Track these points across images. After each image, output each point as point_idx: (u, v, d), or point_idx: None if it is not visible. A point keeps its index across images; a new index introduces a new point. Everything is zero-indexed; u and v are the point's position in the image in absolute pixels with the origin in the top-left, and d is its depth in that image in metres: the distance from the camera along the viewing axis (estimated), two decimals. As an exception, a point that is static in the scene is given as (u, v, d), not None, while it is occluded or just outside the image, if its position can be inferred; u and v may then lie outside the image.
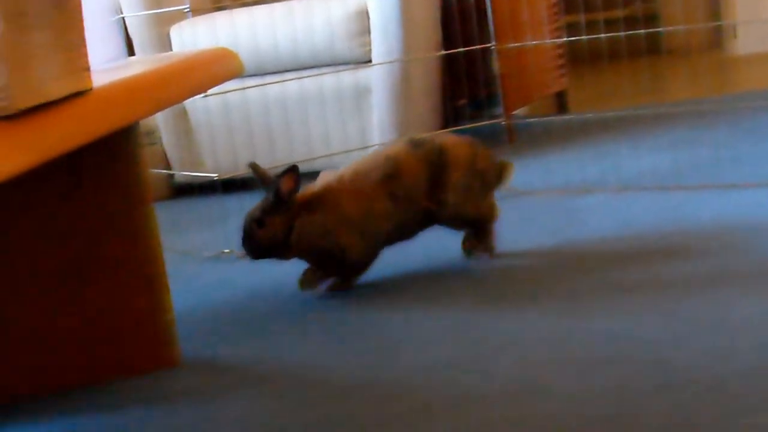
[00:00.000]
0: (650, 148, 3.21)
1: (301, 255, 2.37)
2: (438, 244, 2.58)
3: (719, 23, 4.91)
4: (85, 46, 1.61)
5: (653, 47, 4.14)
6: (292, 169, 2.30)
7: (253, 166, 2.39)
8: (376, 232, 2.37)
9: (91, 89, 1.61)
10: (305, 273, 2.41)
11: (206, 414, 1.83)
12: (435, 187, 2.39)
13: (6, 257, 2.02)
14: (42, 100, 1.45)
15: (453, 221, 2.45)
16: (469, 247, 2.51)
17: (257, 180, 2.37)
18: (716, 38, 5.49)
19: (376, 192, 2.36)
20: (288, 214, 2.32)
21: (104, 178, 2.02)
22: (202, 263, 2.84)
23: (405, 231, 2.43)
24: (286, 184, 2.30)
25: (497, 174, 2.51)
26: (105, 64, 2.09)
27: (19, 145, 1.33)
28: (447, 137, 2.50)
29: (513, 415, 1.64)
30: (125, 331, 2.06)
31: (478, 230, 2.49)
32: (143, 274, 2.05)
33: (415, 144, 2.43)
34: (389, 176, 2.37)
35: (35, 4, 1.45)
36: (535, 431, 1.58)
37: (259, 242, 2.32)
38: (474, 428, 1.62)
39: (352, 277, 2.41)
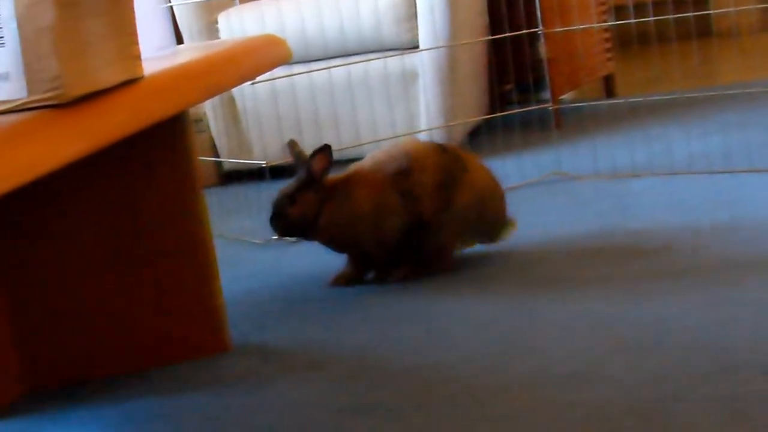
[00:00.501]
0: (700, 132, 3.18)
1: (325, 240, 2.38)
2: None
3: (770, 5, 4.84)
4: (136, 34, 1.63)
5: (703, 30, 4.10)
6: (324, 149, 2.32)
7: (291, 144, 2.41)
8: (386, 227, 2.34)
9: (142, 77, 1.63)
10: (344, 270, 2.42)
11: (257, 399, 1.85)
12: (437, 196, 2.34)
13: (60, 244, 2.05)
14: (95, 88, 1.47)
15: (427, 238, 2.35)
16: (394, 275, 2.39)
17: (293, 158, 2.39)
18: (767, 20, 5.42)
19: (386, 186, 2.34)
20: (319, 194, 2.34)
21: (155, 166, 2.04)
22: (252, 249, 2.86)
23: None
24: (318, 163, 2.32)
25: (496, 229, 2.41)
26: (155, 53, 2.11)
27: (73, 132, 1.35)
28: (480, 163, 2.42)
29: (561, 400, 1.64)
30: (176, 317, 2.08)
31: (425, 258, 2.37)
32: (194, 260, 2.07)
33: (443, 149, 2.39)
34: (402, 172, 2.34)
35: (88, -7, 1.47)
36: (584, 417, 1.58)
37: (289, 218, 2.34)
38: (522, 413, 1.63)
39: (360, 270, 2.40)
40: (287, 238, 2.44)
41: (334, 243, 2.39)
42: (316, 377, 1.90)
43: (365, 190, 2.35)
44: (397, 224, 2.34)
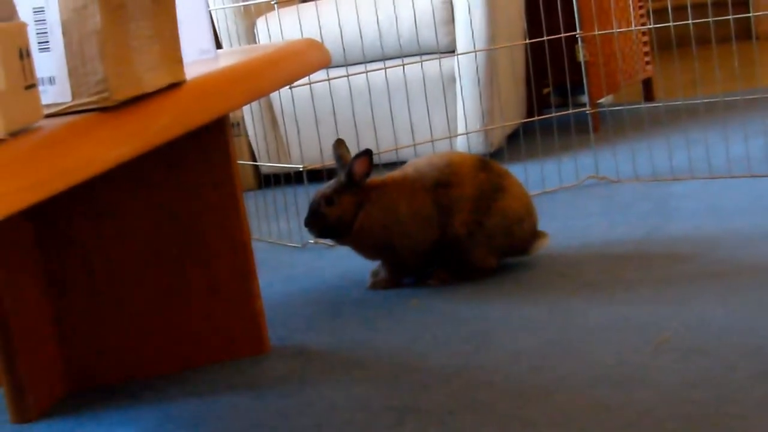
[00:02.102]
0: (740, 136, 3.16)
1: (358, 244, 2.38)
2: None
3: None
4: (178, 38, 1.64)
5: (743, 32, 4.07)
6: (366, 153, 2.32)
7: (338, 144, 2.41)
8: (420, 237, 2.33)
9: (184, 81, 1.64)
10: (376, 273, 2.43)
11: (297, 400, 1.85)
12: (470, 214, 2.32)
13: (104, 246, 2.06)
14: (139, 91, 1.48)
15: (454, 252, 2.34)
16: (434, 278, 2.39)
17: (335, 158, 2.39)
18: (807, 23, 5.37)
19: (425, 196, 2.34)
20: (357, 197, 2.34)
21: (196, 169, 2.05)
22: (290, 252, 2.87)
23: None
24: (359, 167, 2.32)
25: (527, 245, 2.40)
26: (196, 57, 2.12)
27: (118, 136, 1.37)
28: (516, 181, 2.40)
29: (605, 403, 1.64)
30: (216, 319, 2.09)
31: (459, 269, 2.37)
32: (233, 263, 2.08)
33: (484, 164, 2.37)
34: (442, 184, 2.33)
35: (134, -3, 1.48)
36: (631, 419, 1.57)
37: (326, 219, 2.34)
38: (566, 415, 1.62)
39: (396, 276, 2.40)
40: (322, 240, 2.43)
41: (366, 248, 2.39)
42: (356, 379, 1.91)
43: (404, 197, 2.35)
44: (430, 235, 2.34)
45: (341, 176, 2.36)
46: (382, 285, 2.40)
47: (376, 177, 2.38)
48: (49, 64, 1.40)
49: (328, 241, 2.86)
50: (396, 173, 2.41)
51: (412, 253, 2.36)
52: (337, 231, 2.36)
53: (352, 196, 2.34)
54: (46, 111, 1.37)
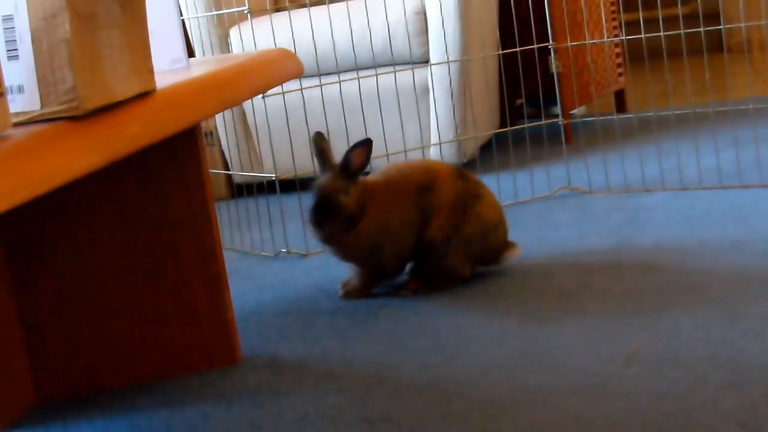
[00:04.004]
0: (711, 147, 3.18)
1: (351, 246, 2.30)
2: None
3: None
4: (149, 47, 1.64)
5: (714, 45, 4.10)
6: (366, 143, 2.24)
7: (318, 137, 2.30)
8: (407, 241, 2.32)
9: (155, 90, 1.63)
10: (347, 284, 2.40)
11: (267, 411, 1.84)
12: (447, 220, 2.32)
13: (73, 255, 2.05)
14: (109, 100, 1.47)
15: (430, 258, 2.33)
16: (406, 288, 2.37)
17: (318, 152, 2.29)
18: (777, 36, 5.41)
19: (411, 199, 2.31)
20: (361, 192, 2.25)
21: (167, 178, 2.04)
22: (262, 262, 2.87)
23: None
24: (357, 158, 2.24)
25: (498, 254, 2.40)
26: (167, 66, 2.11)
27: (87, 145, 1.36)
28: (488, 191, 2.40)
29: (575, 414, 1.64)
30: (187, 329, 2.08)
31: (433, 279, 2.36)
32: (204, 272, 2.07)
33: (461, 173, 2.37)
34: (425, 188, 2.32)
35: (105, 4, 1.47)
36: (601, 430, 1.58)
37: (344, 211, 2.22)
38: (537, 426, 1.62)
39: (370, 285, 2.38)
40: (326, 243, 2.28)
41: (357, 250, 2.31)
42: (327, 390, 1.90)
43: (397, 200, 2.31)
44: (413, 240, 2.33)
45: (336, 168, 2.25)
46: (356, 294, 2.39)
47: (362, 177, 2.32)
48: (18, 73, 1.39)
49: (302, 250, 2.85)
50: (379, 175, 2.36)
51: (396, 259, 2.34)
52: (350, 225, 2.24)
53: (358, 190, 2.25)
54: (14, 119, 1.36)
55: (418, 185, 2.32)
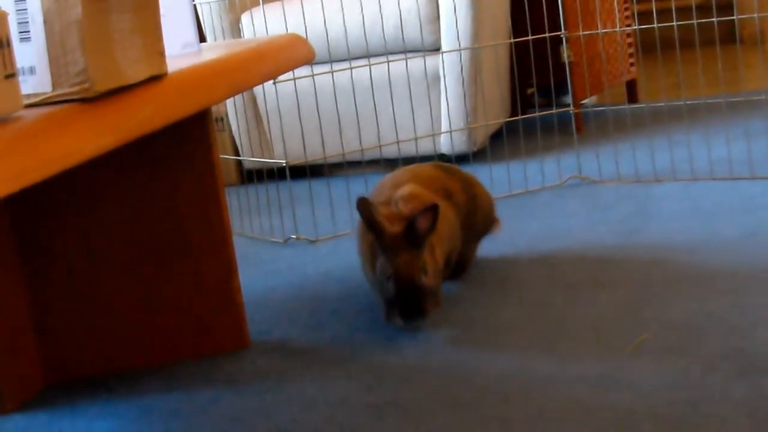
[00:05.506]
0: (722, 138, 3.16)
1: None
2: (511, 233, 2.57)
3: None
4: (160, 30, 1.64)
5: (727, 36, 4.08)
6: (433, 209, 2.01)
7: (363, 204, 2.03)
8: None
9: (166, 74, 1.63)
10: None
11: (275, 396, 1.85)
12: (465, 217, 2.31)
13: (83, 238, 2.05)
14: (120, 83, 1.47)
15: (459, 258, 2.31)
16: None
17: (365, 220, 2.03)
18: (791, 27, 5.39)
19: (451, 210, 2.27)
20: (429, 251, 2.06)
21: (177, 162, 2.04)
22: (272, 248, 2.87)
23: None
24: (423, 223, 2.00)
25: (490, 227, 2.41)
26: (179, 50, 2.11)
27: (99, 127, 1.36)
28: (476, 178, 2.39)
29: (587, 403, 1.64)
30: (196, 313, 2.09)
31: (454, 273, 2.32)
32: (214, 258, 2.08)
33: (445, 168, 2.35)
34: (447, 195, 2.29)
35: (116, -12, 1.47)
36: (609, 420, 1.57)
37: (429, 291, 2.01)
38: (545, 415, 1.62)
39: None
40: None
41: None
42: (335, 376, 1.90)
43: (448, 231, 2.19)
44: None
45: (399, 238, 1.99)
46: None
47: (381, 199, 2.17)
48: (30, 54, 1.39)
49: (312, 236, 2.86)
50: (407, 191, 2.18)
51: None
52: (433, 300, 2.04)
53: (429, 254, 2.04)
54: (26, 101, 1.36)
55: (444, 193, 2.27)
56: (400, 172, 2.35)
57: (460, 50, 3.33)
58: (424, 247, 2.02)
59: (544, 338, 1.93)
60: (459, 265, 2.35)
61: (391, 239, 2.00)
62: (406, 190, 2.21)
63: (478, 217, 2.35)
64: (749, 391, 1.59)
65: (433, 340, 2.01)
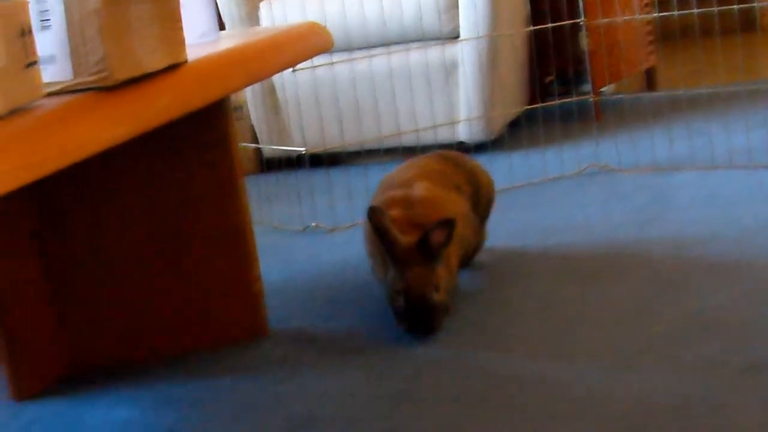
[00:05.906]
0: (741, 127, 3.15)
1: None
2: (529, 223, 2.57)
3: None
4: (180, 19, 1.64)
5: (747, 24, 4.06)
6: (447, 224, 1.95)
7: (376, 213, 1.97)
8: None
9: (186, 62, 1.64)
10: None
11: (293, 385, 1.86)
12: (475, 207, 2.31)
13: (103, 228, 2.07)
14: (139, 72, 1.48)
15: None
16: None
17: (377, 230, 1.97)
18: (812, 15, 5.35)
19: (468, 208, 2.27)
20: (443, 264, 2.00)
21: (196, 151, 2.05)
22: (290, 237, 2.87)
23: None
24: (438, 237, 1.94)
25: (491, 207, 2.41)
26: (198, 39, 2.12)
27: (118, 116, 1.37)
28: (468, 160, 2.39)
29: (600, 393, 1.64)
30: (215, 302, 2.10)
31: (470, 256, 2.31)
32: (233, 246, 2.08)
33: (445, 158, 2.35)
34: (459, 188, 2.28)
35: (135, -23, 1.48)
36: (622, 409, 1.58)
37: (441, 307, 1.96)
38: (559, 405, 1.62)
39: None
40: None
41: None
42: (350, 366, 1.91)
43: (461, 220, 2.12)
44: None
45: (412, 251, 1.93)
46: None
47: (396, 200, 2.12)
48: (50, 43, 1.40)
49: (330, 225, 2.86)
50: (425, 191, 2.15)
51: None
52: (446, 315, 2.01)
53: (443, 268, 1.99)
54: (46, 89, 1.37)
55: (470, 200, 2.29)
56: (406, 167, 2.31)
57: (478, 38, 3.32)
58: (438, 260, 1.96)
59: (554, 333, 1.93)
60: (472, 251, 2.35)
61: (403, 251, 1.95)
62: (420, 190, 2.16)
63: (482, 205, 2.36)
64: (763, 382, 1.58)
65: (445, 329, 2.01)
